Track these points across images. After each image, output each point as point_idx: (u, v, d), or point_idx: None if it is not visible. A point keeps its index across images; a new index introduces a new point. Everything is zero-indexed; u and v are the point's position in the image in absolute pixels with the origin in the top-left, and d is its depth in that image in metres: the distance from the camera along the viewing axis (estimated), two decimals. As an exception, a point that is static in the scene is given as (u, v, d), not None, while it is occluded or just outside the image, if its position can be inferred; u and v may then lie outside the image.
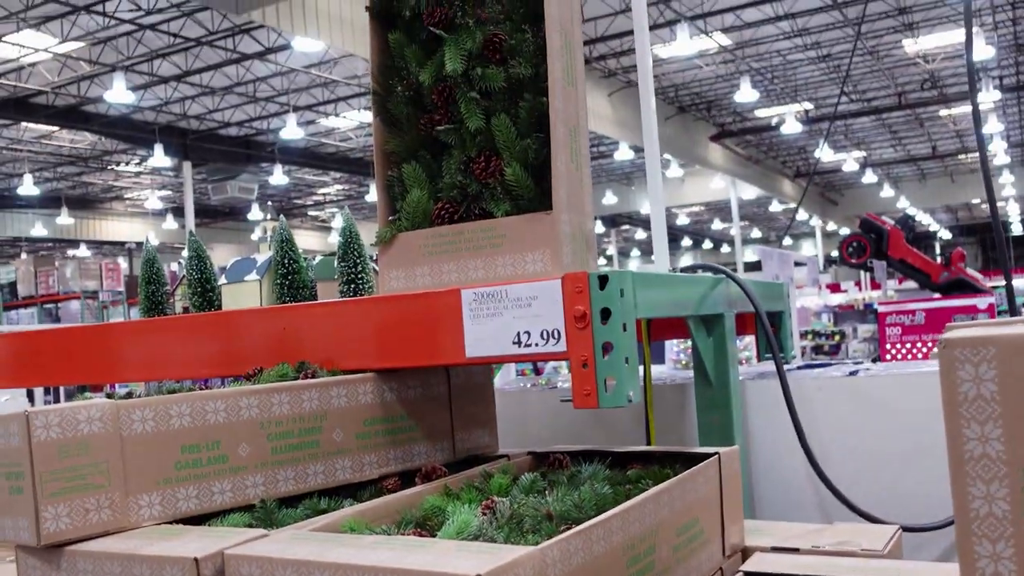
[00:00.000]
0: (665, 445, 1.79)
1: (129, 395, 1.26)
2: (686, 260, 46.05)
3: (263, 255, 2.50)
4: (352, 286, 2.28)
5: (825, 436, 1.75)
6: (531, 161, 1.39)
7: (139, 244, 33.92)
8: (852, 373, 1.82)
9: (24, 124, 21.31)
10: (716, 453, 1.29)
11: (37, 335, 1.88)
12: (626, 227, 38.62)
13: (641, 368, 1.79)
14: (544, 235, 1.35)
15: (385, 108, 1.52)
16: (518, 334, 1.25)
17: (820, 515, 1.71)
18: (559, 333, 1.22)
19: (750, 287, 1.70)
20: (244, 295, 2.48)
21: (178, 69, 18.75)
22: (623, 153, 23.73)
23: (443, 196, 1.45)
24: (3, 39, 16.51)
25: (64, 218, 29.66)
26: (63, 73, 18.58)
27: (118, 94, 17.01)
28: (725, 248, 46.24)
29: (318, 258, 2.48)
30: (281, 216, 2.56)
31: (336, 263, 2.34)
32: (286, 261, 2.39)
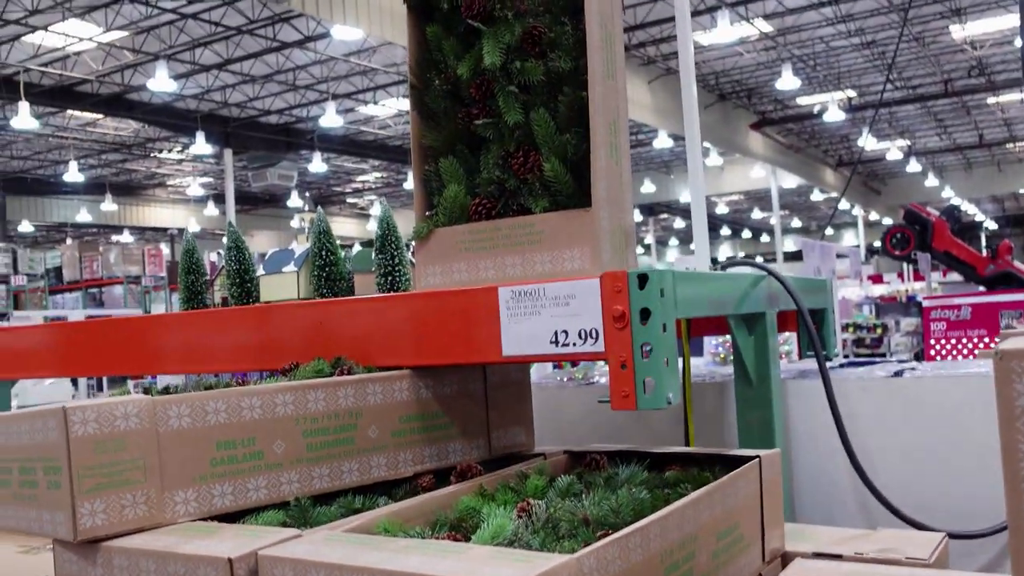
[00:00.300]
0: (704, 445, 1.77)
1: (167, 390, 1.26)
2: (725, 250, 45.67)
3: (301, 246, 2.51)
4: (389, 278, 2.28)
5: (869, 438, 1.71)
6: (570, 156, 1.36)
7: (181, 230, 34.41)
8: (897, 373, 1.77)
9: (70, 112, 21.65)
10: (757, 456, 1.27)
11: (80, 326, 1.89)
12: (664, 216, 38.37)
13: (680, 365, 1.77)
14: (583, 232, 1.33)
15: (423, 102, 1.51)
16: (555, 333, 1.23)
17: (863, 520, 1.67)
18: (597, 333, 1.19)
19: (792, 284, 1.66)
20: (282, 286, 2.49)
21: (219, 57, 18.91)
22: (662, 141, 23.53)
23: (480, 191, 1.44)
24: (49, 28, 16.76)
25: (108, 204, 30.14)
26: (107, 62, 18.83)
27: (161, 82, 17.20)
28: (764, 238, 45.75)
29: (355, 249, 2.48)
30: (319, 208, 2.56)
31: (374, 255, 2.34)
32: (323, 253, 2.39)
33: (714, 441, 1.79)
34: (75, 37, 17.32)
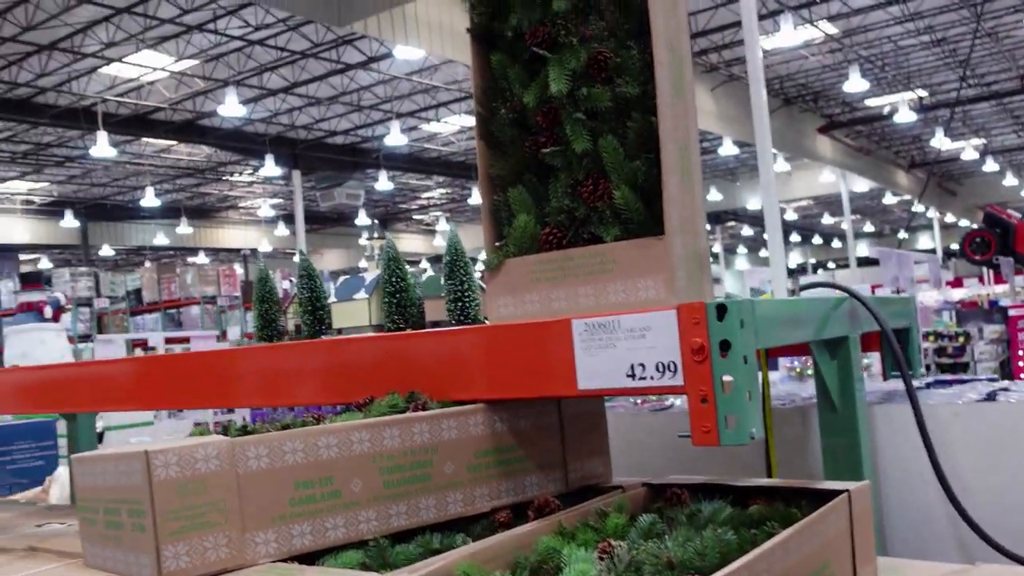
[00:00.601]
0: (786, 472, 1.71)
1: (245, 429, 1.27)
2: (795, 257, 44.84)
3: (371, 273, 2.53)
4: (459, 304, 2.27)
5: (963, 467, 1.63)
6: (641, 183, 1.34)
7: (253, 250, 35.20)
8: (990, 395, 1.70)
9: (145, 139, 22.34)
10: (846, 490, 1.22)
11: (158, 360, 1.93)
12: (731, 223, 37.87)
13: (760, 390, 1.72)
14: (656, 260, 1.30)
15: (489, 131, 1.50)
16: (632, 366, 1.20)
17: (960, 554, 1.60)
18: (675, 366, 1.16)
19: (875, 306, 1.61)
20: (353, 313, 2.50)
21: (286, 81, 19.33)
22: (727, 148, 23.27)
23: (550, 220, 1.42)
24: (124, 60, 17.34)
25: (183, 227, 31.00)
26: (179, 90, 19.39)
27: (230, 108, 17.64)
28: (836, 243, 44.82)
29: (425, 276, 2.48)
30: (388, 235, 2.57)
31: (442, 280, 2.34)
32: (393, 279, 2.40)
33: (797, 469, 1.74)
34: (149, 67, 17.89)
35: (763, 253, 46.99)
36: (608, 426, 1.57)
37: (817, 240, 45.51)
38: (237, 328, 16.84)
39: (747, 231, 39.66)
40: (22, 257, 29.03)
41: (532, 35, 1.43)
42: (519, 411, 1.40)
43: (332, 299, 2.55)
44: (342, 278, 2.60)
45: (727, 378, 1.13)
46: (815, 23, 17.31)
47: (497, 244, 1.47)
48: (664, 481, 1.43)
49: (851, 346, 1.56)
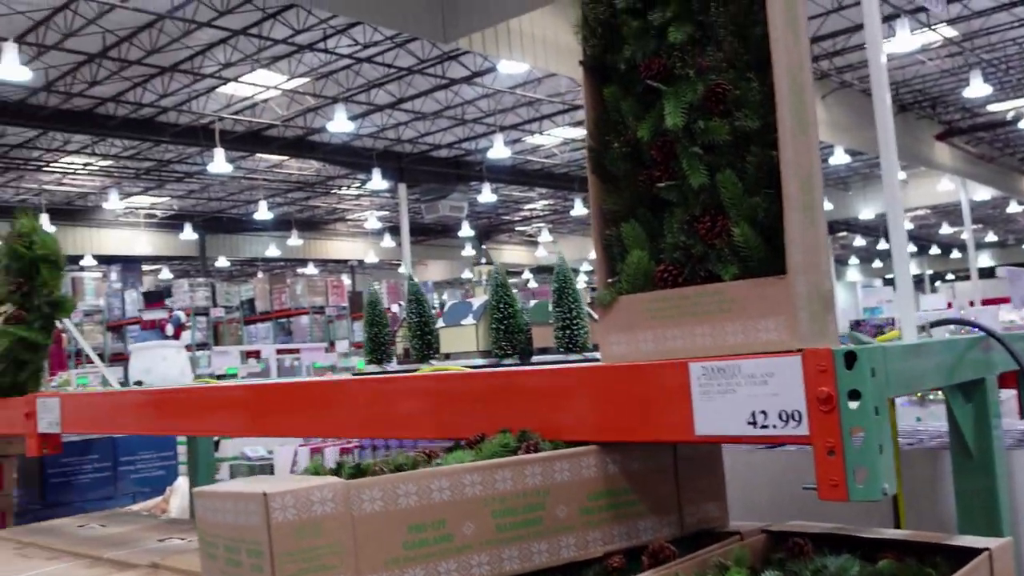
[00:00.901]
0: (915, 519, 1.62)
1: (359, 467, 1.28)
2: (911, 268, 43.09)
3: (479, 299, 2.54)
4: (567, 332, 2.26)
5: (1116, 522, 1.51)
6: (761, 220, 1.29)
7: (360, 261, 36.05)
8: None
9: (259, 155, 23.19)
10: (987, 549, 1.14)
11: (266, 388, 1.96)
12: (843, 234, 36.72)
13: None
14: (778, 301, 1.25)
15: (601, 164, 1.47)
16: (753, 413, 1.16)
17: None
18: (800, 415, 1.11)
19: (1014, 346, 1.51)
20: (461, 338, 2.52)
21: (392, 97, 19.75)
22: (839, 157, 22.59)
23: (665, 257, 1.38)
24: (240, 79, 18.02)
25: (294, 239, 31.99)
26: (291, 107, 20.05)
27: (339, 124, 18.12)
28: (955, 253, 42.92)
29: (533, 302, 2.47)
30: (495, 262, 2.57)
31: (550, 307, 2.33)
32: (501, 306, 2.41)
33: (926, 517, 1.64)
34: (263, 86, 18.56)
35: (876, 264, 45.37)
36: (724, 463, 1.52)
37: (935, 251, 43.69)
38: (345, 341, 17.21)
39: (859, 241, 38.39)
40: (144, 268, 30.47)
41: (647, 67, 1.39)
42: (633, 453, 1.37)
43: (440, 324, 2.57)
44: (450, 303, 2.62)
45: (857, 431, 1.07)
46: (933, 27, 16.65)
47: (610, 280, 1.44)
48: (784, 528, 1.37)
49: (988, 388, 1.46)
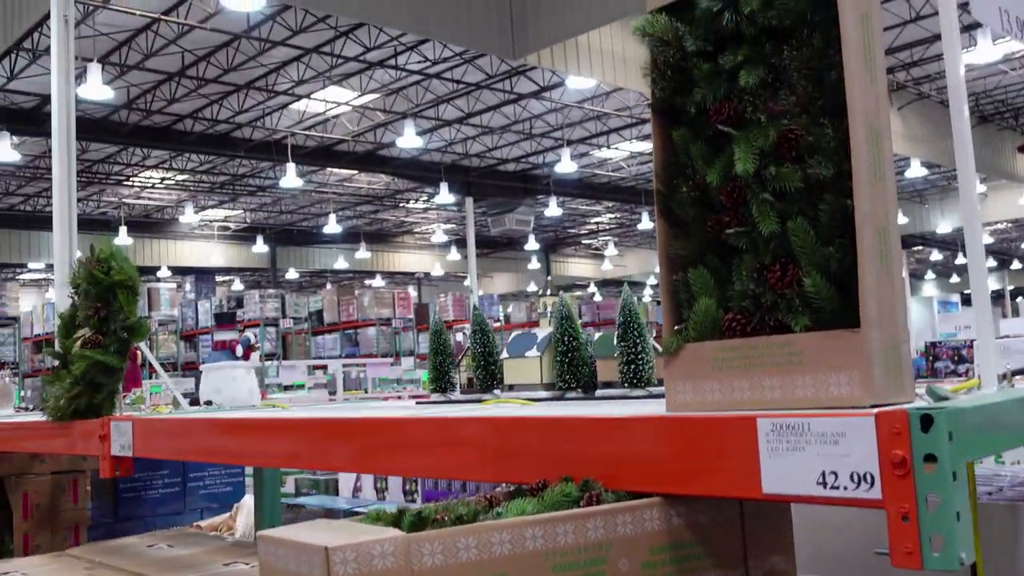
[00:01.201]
0: (996, 578, 1.56)
1: (419, 515, 1.27)
2: (991, 283, 41.75)
3: (543, 330, 2.52)
4: (632, 367, 2.23)
5: None
6: (833, 270, 1.25)
7: (427, 274, 36.37)
8: None
9: (329, 169, 23.59)
10: (1074, 624, 1.08)
11: (325, 423, 1.97)
12: (919, 248, 35.76)
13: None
14: (850, 355, 1.21)
15: (669, 208, 1.45)
16: (823, 473, 1.12)
17: None
18: (872, 478, 1.07)
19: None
20: (525, 370, 2.50)
21: (461, 112, 19.90)
22: (915, 170, 22.02)
23: (733, 305, 1.35)
24: (312, 96, 18.38)
25: (362, 252, 32.41)
26: (362, 123, 20.36)
27: (408, 139, 18.33)
28: (1038, 269, 41.42)
29: (597, 335, 2.45)
30: (561, 292, 2.56)
31: (615, 341, 2.30)
32: (566, 338, 2.39)
33: (1006, 573, 1.57)
34: (334, 102, 18.89)
35: (953, 279, 44.04)
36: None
37: (1016, 265, 42.25)
38: (411, 358, 17.35)
39: (935, 255, 37.33)
40: (217, 279, 31.21)
41: (717, 111, 1.37)
42: (698, 505, 1.33)
43: (504, 355, 2.56)
44: (514, 334, 2.61)
45: (933, 496, 1.03)
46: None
47: (676, 327, 1.41)
48: (857, 587, 1.33)
49: (1075, 444, 1.39)
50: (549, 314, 2.53)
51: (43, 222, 24.60)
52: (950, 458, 1.04)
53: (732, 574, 1.36)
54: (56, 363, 3.10)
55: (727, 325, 1.35)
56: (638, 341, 2.21)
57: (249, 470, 4.51)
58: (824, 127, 1.28)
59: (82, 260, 3.15)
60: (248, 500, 4.12)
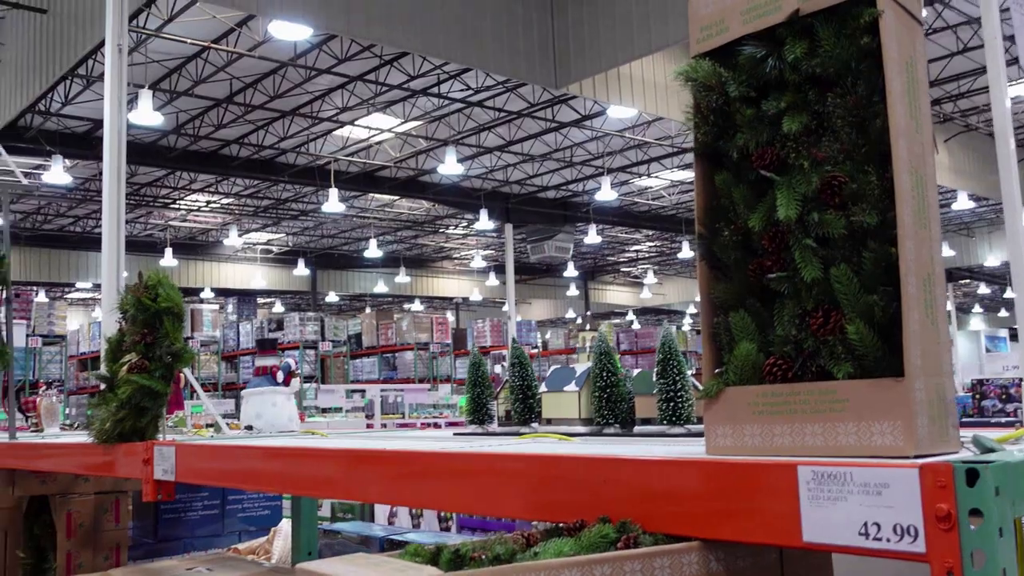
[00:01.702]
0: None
1: (457, 553, 1.28)
2: (1039, 318, 40.79)
3: (582, 365, 2.52)
4: (671, 404, 2.22)
5: None
6: (877, 319, 1.24)
7: (465, 299, 36.48)
8: None
9: (371, 195, 23.82)
10: None
11: (361, 455, 1.98)
12: (966, 281, 35.15)
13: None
14: (894, 404, 1.20)
15: (711, 251, 1.45)
16: (865, 524, 1.11)
17: None
18: (916, 531, 1.06)
19: None
20: (563, 404, 2.51)
21: (502, 140, 20.03)
22: (962, 203, 21.69)
23: (775, 351, 1.35)
24: (356, 123, 18.62)
25: (402, 276, 32.63)
26: (404, 149, 20.57)
27: (450, 166, 18.48)
28: (1089, 305, 40.36)
29: (636, 372, 2.45)
30: (600, 326, 2.56)
31: (654, 378, 2.30)
32: (604, 374, 2.39)
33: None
34: (377, 129, 19.12)
35: (1002, 313, 43.18)
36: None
37: (1066, 301, 41.27)
38: (448, 385, 17.37)
39: (983, 289, 36.68)
40: (259, 301, 31.58)
41: (760, 156, 1.37)
42: (737, 550, 1.33)
43: (543, 389, 2.57)
44: (552, 368, 2.62)
45: (978, 553, 1.01)
46: (1065, 70, 15.89)
47: (717, 371, 1.41)
48: (898, 639, 1.30)
49: None
50: (588, 349, 2.53)
51: (91, 243, 25.17)
52: (997, 513, 1.03)
53: (771, 622, 1.35)
54: (103, 387, 3.16)
55: (768, 370, 1.34)
56: (677, 379, 2.21)
57: (287, 495, 4.54)
58: (868, 174, 1.28)
59: (130, 287, 3.22)
60: (285, 525, 4.15)
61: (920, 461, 1.09)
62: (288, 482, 2.18)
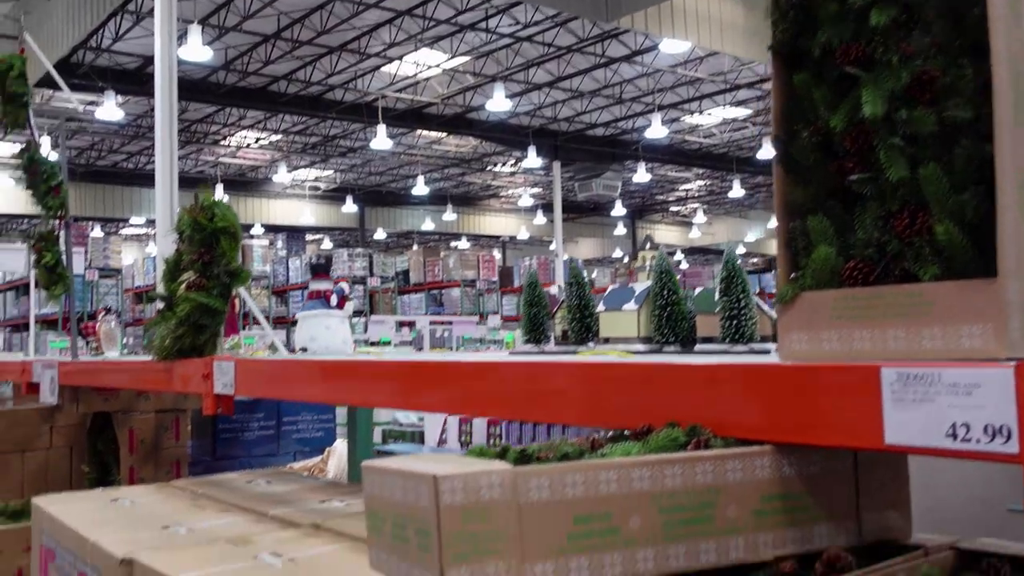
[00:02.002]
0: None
1: (524, 453, 1.27)
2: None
3: (641, 284, 2.49)
4: (734, 323, 2.18)
5: None
6: (968, 219, 1.19)
7: (512, 238, 36.47)
8: None
9: (419, 132, 23.75)
10: None
11: (419, 366, 1.98)
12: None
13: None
14: (985, 306, 1.15)
15: (788, 154, 1.40)
16: (953, 425, 1.07)
17: None
18: (1009, 431, 1.02)
19: None
20: (621, 323, 2.48)
21: (551, 76, 19.76)
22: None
23: (855, 253, 1.30)
24: (403, 58, 18.47)
25: (449, 214, 32.67)
26: (451, 85, 20.40)
27: (497, 102, 18.31)
28: None
29: (698, 290, 2.41)
30: (661, 246, 2.52)
31: (717, 296, 2.26)
32: (665, 292, 2.36)
33: None
34: (425, 65, 18.97)
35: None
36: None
37: None
38: (497, 316, 17.46)
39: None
40: (308, 238, 31.89)
41: (844, 53, 1.31)
42: (810, 455, 1.30)
43: (601, 308, 2.54)
44: (611, 287, 2.59)
45: (1074, 453, 0.98)
46: None
47: (792, 276, 1.37)
48: (976, 547, 1.28)
49: None
50: (648, 268, 2.49)
51: (144, 179, 25.51)
52: (1093, 413, 0.98)
53: (843, 528, 1.33)
54: (162, 305, 3.20)
55: (848, 274, 1.30)
56: (741, 297, 2.17)
57: (340, 418, 4.61)
58: (963, 68, 1.21)
59: (186, 208, 3.24)
60: (339, 445, 4.22)
61: (1014, 361, 1.05)
62: (347, 392, 2.19)
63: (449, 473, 1.13)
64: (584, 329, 2.58)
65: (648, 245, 2.64)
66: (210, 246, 3.04)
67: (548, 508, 1.15)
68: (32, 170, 4.75)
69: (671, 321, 2.30)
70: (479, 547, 1.11)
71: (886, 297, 1.24)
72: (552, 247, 24.46)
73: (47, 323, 17.00)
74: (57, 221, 4.85)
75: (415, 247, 31.35)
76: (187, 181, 25.88)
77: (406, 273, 22.92)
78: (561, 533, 1.15)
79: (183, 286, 3.07)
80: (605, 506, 1.18)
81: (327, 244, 35.55)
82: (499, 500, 1.13)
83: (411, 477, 1.17)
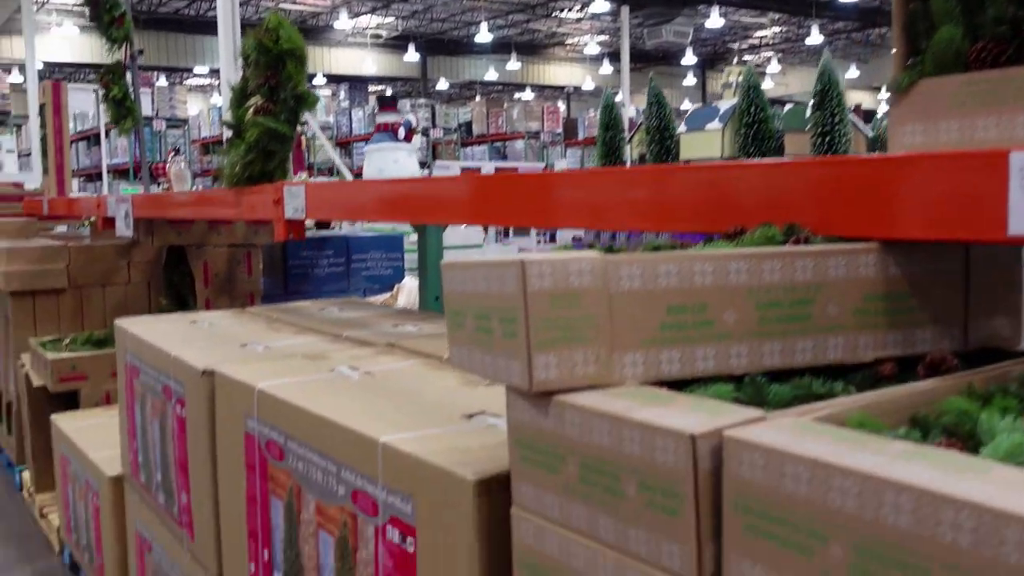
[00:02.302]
0: None
1: (611, 249, 1.21)
2: None
3: (726, 102, 2.35)
4: (826, 138, 2.06)
5: None
6: (1126, -16, 1.05)
7: (576, 88, 35.60)
8: None
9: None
10: None
11: (491, 179, 1.92)
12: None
13: None
14: None
15: (912, -77, 1.25)
16: (1090, 210, 0.97)
17: None
18: None
19: None
20: (704, 144, 2.37)
21: (623, -89, 18.67)
22: None
23: (985, 33, 1.17)
24: None
25: (512, 63, 31.87)
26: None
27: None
28: None
29: (788, 107, 2.27)
30: (749, 61, 2.37)
31: (810, 111, 2.12)
32: (752, 110, 2.23)
33: None
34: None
35: None
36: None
37: None
38: (564, 161, 17.24)
39: None
40: (370, 88, 31.54)
41: None
42: (917, 255, 1.22)
43: (682, 128, 2.43)
44: (692, 107, 2.46)
45: None
46: None
47: (909, 62, 1.25)
48: (1093, 354, 1.20)
49: None
50: (734, 85, 2.35)
51: (206, 26, 25.24)
52: None
53: (948, 332, 1.25)
54: (230, 133, 3.17)
55: (975, 56, 1.17)
56: (836, 111, 2.03)
57: (410, 258, 4.62)
58: None
59: (251, 31, 3.15)
60: (408, 281, 4.24)
61: None
62: (418, 210, 2.14)
63: (537, 259, 1.08)
64: (663, 152, 2.47)
65: (735, 60, 2.48)
66: (276, 69, 2.97)
67: (640, 298, 1.10)
68: (94, 1, 4.67)
69: (757, 140, 2.18)
70: (567, 334, 1.07)
71: (1017, 80, 1.12)
72: (619, 98, 23.79)
73: (118, 172, 17.32)
74: (123, 56, 4.80)
75: (478, 98, 30.81)
76: (249, 27, 25.61)
77: (469, 125, 22.62)
78: (653, 323, 1.10)
79: (250, 111, 3.02)
80: (700, 298, 1.12)
81: (389, 95, 35.14)
82: (589, 287, 1.08)
83: (496, 266, 1.13)
